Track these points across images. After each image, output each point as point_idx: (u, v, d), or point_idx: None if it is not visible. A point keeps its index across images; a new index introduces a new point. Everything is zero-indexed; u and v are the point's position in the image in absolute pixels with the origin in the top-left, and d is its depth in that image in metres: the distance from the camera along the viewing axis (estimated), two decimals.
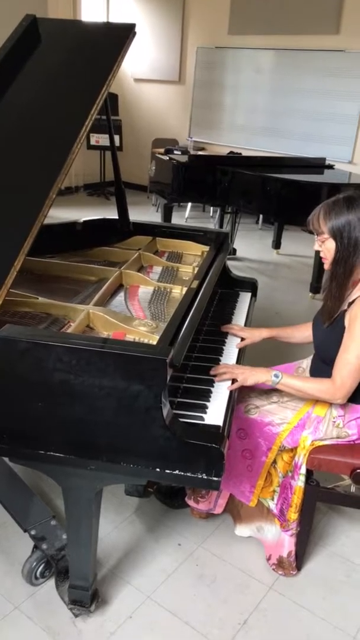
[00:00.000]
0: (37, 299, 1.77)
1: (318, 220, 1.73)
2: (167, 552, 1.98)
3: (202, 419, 1.51)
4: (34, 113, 1.80)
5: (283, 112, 6.77)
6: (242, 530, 2.06)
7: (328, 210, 1.70)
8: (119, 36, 2.04)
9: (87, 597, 1.66)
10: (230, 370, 1.77)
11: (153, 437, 1.35)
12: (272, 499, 1.95)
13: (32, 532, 1.78)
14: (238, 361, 1.94)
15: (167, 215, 4.95)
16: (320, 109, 6.43)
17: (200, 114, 7.52)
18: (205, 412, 1.55)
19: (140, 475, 1.41)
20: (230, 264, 5.22)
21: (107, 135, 7.76)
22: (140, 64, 7.78)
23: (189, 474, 1.37)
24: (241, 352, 2.01)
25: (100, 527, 2.01)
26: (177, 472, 1.37)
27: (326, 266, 1.80)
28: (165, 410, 1.34)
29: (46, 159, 1.70)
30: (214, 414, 1.55)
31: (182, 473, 1.37)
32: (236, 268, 5.10)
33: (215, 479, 1.36)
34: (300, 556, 1.94)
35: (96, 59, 2.06)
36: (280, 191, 4.16)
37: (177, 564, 1.94)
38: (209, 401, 1.61)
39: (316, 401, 1.86)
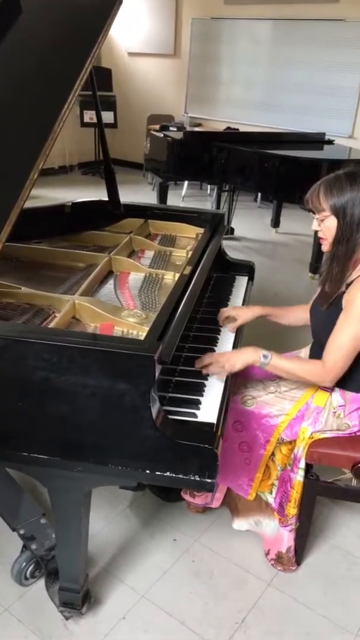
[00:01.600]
0: (20, 289, 1.67)
1: (318, 198, 1.63)
2: (162, 548, 1.92)
3: (194, 415, 1.43)
4: (10, 88, 1.67)
5: (281, 85, 6.56)
6: (240, 524, 2.00)
7: (329, 187, 1.60)
8: (103, 5, 1.91)
9: (77, 599, 1.60)
10: (216, 359, 1.65)
11: (142, 438, 1.27)
12: (271, 493, 1.88)
13: (21, 532, 1.71)
14: (234, 347, 1.85)
15: (162, 195, 4.83)
16: (319, 81, 6.23)
17: (196, 89, 7.31)
18: (199, 408, 1.46)
19: (130, 477, 1.34)
20: (227, 243, 5.15)
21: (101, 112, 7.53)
22: (134, 38, 7.54)
23: (181, 476, 1.29)
24: (237, 340, 1.92)
25: (93, 522, 1.94)
26: (168, 473, 1.29)
27: (325, 247, 1.71)
28: (154, 409, 1.26)
29: (25, 139, 1.59)
30: (208, 410, 1.47)
31: (174, 475, 1.29)
32: (233, 248, 4.99)
33: (209, 480, 1.28)
34: (300, 551, 1.88)
35: (80, 30, 1.92)
36: (278, 168, 4.03)
37: (172, 561, 1.87)
38: (202, 396, 1.52)
39: (315, 391, 1.78)
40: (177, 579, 1.81)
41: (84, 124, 6.99)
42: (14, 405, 1.29)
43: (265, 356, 1.64)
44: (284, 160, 4.01)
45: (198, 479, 1.29)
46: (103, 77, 7.27)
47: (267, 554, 1.90)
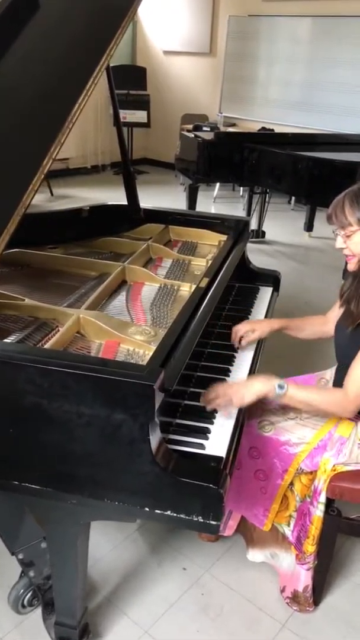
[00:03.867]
0: (24, 300, 1.57)
1: (343, 212, 1.49)
2: (170, 578, 1.80)
3: (202, 447, 1.30)
4: (19, 88, 1.58)
5: (320, 85, 6.34)
6: (255, 555, 1.86)
7: (355, 199, 1.46)
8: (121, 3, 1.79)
9: (75, 635, 1.49)
10: (222, 393, 1.45)
11: (140, 473, 1.15)
12: (288, 525, 1.73)
13: (20, 556, 1.61)
14: (251, 371, 1.71)
15: (192, 196, 4.70)
16: None
17: (231, 88, 7.14)
18: (207, 438, 1.34)
19: (127, 513, 1.22)
20: (258, 247, 4.99)
21: (134, 112, 7.47)
22: (170, 36, 7.43)
23: (182, 516, 1.17)
24: (255, 359, 1.78)
25: (98, 545, 1.86)
26: (169, 512, 1.17)
27: (351, 266, 1.57)
28: (154, 441, 1.14)
29: (30, 141, 1.49)
30: (217, 440, 1.34)
31: (175, 514, 1.17)
32: (264, 252, 4.83)
33: (213, 523, 1.16)
34: (318, 590, 1.73)
35: (98, 26, 1.82)
36: (311, 171, 3.86)
37: (180, 592, 1.75)
38: (212, 424, 1.39)
39: (340, 419, 1.64)
40: (184, 614, 1.69)
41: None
42: (4, 431, 1.19)
43: (280, 387, 1.46)
44: (318, 163, 3.83)
45: (201, 520, 1.16)
46: (137, 76, 7.19)
47: (283, 590, 1.76)
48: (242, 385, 1.49)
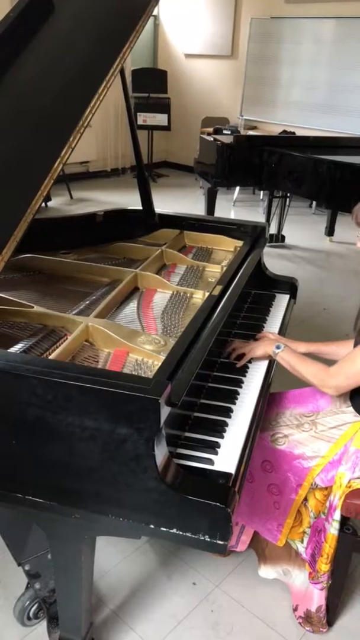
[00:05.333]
0: (32, 307, 1.55)
1: None
2: (179, 593, 1.76)
3: (211, 462, 1.25)
4: (32, 92, 1.55)
5: (344, 88, 6.24)
6: (267, 571, 1.80)
7: None
8: (136, 6, 1.76)
9: None
10: (239, 346, 1.70)
11: (145, 489, 1.11)
12: (302, 542, 1.68)
13: (26, 567, 1.58)
14: (266, 379, 1.66)
15: (211, 200, 4.65)
16: None
17: (253, 91, 7.08)
18: (216, 453, 1.29)
19: (131, 529, 1.18)
20: (277, 252, 4.93)
21: (155, 115, 7.46)
22: (191, 39, 7.40)
23: (189, 534, 1.12)
24: (270, 368, 1.72)
25: (107, 557, 1.82)
26: (174, 530, 1.13)
27: None
28: (160, 457, 1.10)
29: (41, 146, 1.46)
30: (227, 455, 1.29)
31: (181, 533, 1.13)
32: (284, 257, 4.76)
33: (220, 542, 1.11)
34: (332, 610, 1.67)
35: (112, 29, 1.79)
36: (333, 175, 3.78)
37: (189, 608, 1.71)
38: (222, 437, 1.35)
39: (356, 432, 1.58)
40: (193, 632, 1.64)
41: (138, 127, 6.91)
42: (6, 443, 1.16)
43: (278, 347, 1.64)
44: (339, 166, 3.76)
45: (208, 539, 1.12)
46: (158, 79, 7.18)
47: (295, 609, 1.71)
48: (254, 343, 1.72)
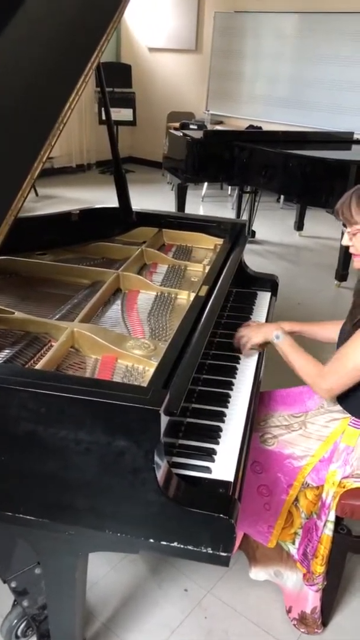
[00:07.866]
0: (13, 313, 1.47)
1: (349, 209, 1.42)
2: (171, 600, 1.72)
3: (208, 470, 1.22)
4: (5, 89, 1.48)
5: (308, 82, 6.28)
6: (258, 574, 1.78)
7: None
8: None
9: None
10: (242, 334, 1.71)
11: (144, 503, 1.06)
12: (293, 543, 1.66)
13: (13, 585, 1.51)
14: (256, 380, 1.63)
15: (181, 196, 4.61)
16: (348, 77, 5.93)
17: (218, 85, 7.06)
18: (213, 460, 1.25)
19: (130, 544, 1.14)
20: (248, 247, 4.82)
21: (120, 109, 7.34)
22: (155, 33, 7.32)
23: (190, 547, 1.09)
24: (259, 365, 1.70)
25: (96, 567, 1.77)
26: (175, 544, 1.09)
27: (357, 264, 1.51)
28: (160, 470, 1.05)
29: (19, 145, 1.39)
30: (224, 461, 1.25)
31: (182, 546, 1.09)
32: (255, 252, 4.76)
33: (223, 554, 1.08)
34: (327, 610, 1.66)
35: (88, 22, 1.72)
36: (303, 170, 3.78)
37: (182, 616, 1.67)
38: (217, 443, 1.31)
39: (345, 429, 1.57)
40: (187, 639, 1.61)
41: (102, 122, 6.79)
42: None
43: (277, 336, 1.62)
44: (309, 161, 3.77)
45: (211, 551, 1.08)
46: (122, 74, 7.08)
47: (289, 611, 1.69)
48: (253, 328, 1.72)
